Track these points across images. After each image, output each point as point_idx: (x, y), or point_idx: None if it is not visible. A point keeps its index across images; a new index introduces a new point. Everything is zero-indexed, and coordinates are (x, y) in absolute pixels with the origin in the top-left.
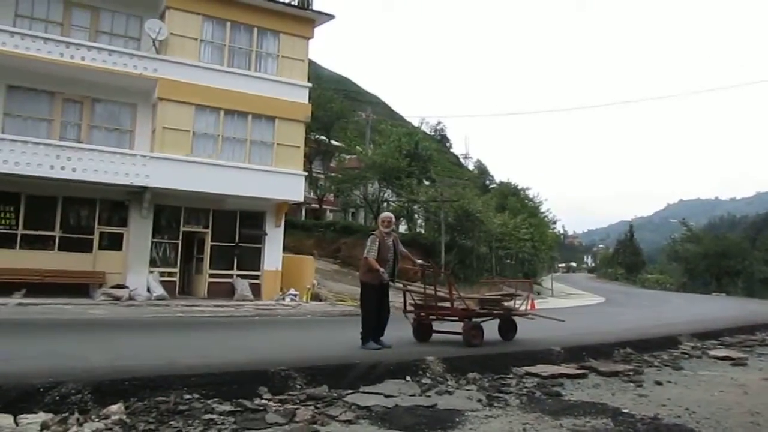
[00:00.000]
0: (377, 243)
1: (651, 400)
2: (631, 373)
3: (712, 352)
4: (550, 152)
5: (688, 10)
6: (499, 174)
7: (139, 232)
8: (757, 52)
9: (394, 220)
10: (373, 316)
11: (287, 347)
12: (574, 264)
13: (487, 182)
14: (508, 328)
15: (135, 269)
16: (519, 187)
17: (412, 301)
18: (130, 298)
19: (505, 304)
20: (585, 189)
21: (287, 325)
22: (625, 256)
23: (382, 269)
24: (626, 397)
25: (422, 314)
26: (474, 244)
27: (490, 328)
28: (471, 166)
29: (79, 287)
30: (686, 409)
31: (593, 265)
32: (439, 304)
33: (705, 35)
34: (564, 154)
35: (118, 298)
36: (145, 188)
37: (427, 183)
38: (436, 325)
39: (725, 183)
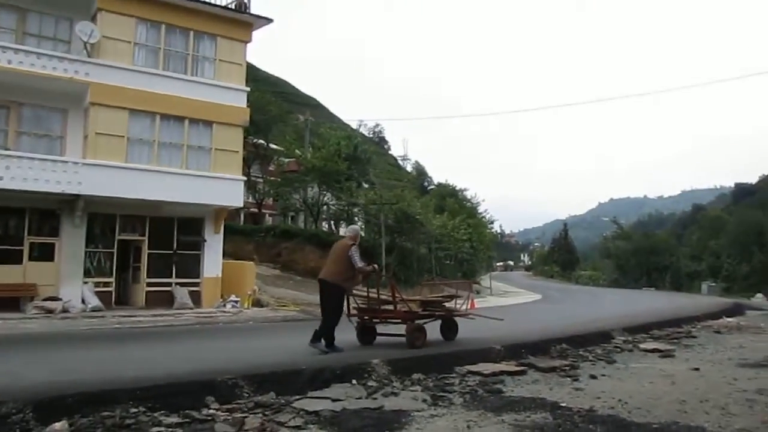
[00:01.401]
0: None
1: (586, 393)
2: (567, 368)
3: (642, 345)
4: (487, 153)
5: (625, 16)
6: (438, 175)
7: (71, 242)
8: (683, 58)
9: None
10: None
11: (232, 355)
12: (511, 262)
13: (426, 184)
14: (449, 329)
15: (68, 280)
16: (457, 189)
17: (356, 305)
18: (64, 311)
19: (447, 305)
20: (521, 189)
21: (230, 332)
22: (560, 254)
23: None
24: (563, 392)
25: (366, 318)
26: (414, 246)
27: (433, 330)
28: (410, 168)
29: (9, 301)
30: (619, 401)
31: (530, 263)
32: (383, 307)
33: (639, 40)
34: (500, 155)
35: (51, 311)
36: (77, 196)
37: (366, 186)
38: (380, 328)
39: (653, 182)
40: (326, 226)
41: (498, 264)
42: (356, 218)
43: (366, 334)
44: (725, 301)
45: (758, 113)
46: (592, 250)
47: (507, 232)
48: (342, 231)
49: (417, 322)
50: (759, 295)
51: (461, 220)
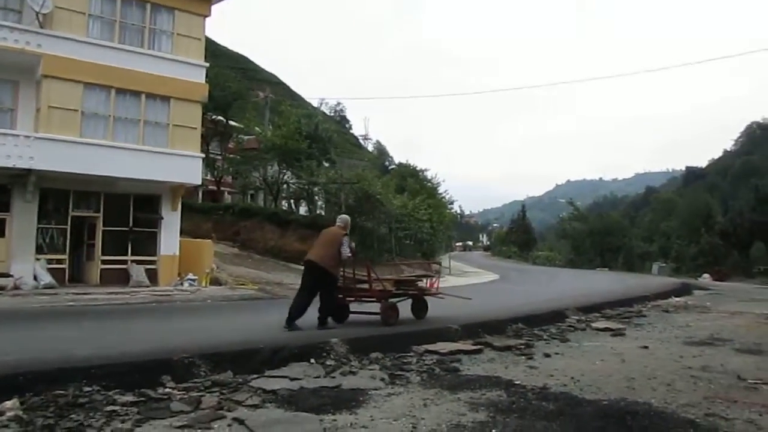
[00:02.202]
0: None
1: (540, 372)
2: (522, 347)
3: (594, 325)
4: (447, 133)
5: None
6: (399, 155)
7: (23, 218)
8: (645, 40)
9: None
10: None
11: (189, 334)
12: (470, 243)
13: (387, 164)
14: (420, 308)
15: (20, 257)
16: (418, 169)
17: None
18: (16, 288)
19: (419, 284)
20: (481, 170)
21: (187, 311)
22: (517, 235)
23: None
24: (518, 370)
25: (340, 296)
26: (374, 226)
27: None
28: (371, 148)
29: None
30: (571, 378)
31: (488, 243)
32: (357, 286)
33: (599, 21)
34: (461, 136)
35: (1, 288)
36: (29, 171)
37: (327, 165)
38: (354, 306)
39: (608, 165)
40: (286, 204)
41: (457, 244)
42: (316, 197)
43: (339, 313)
44: (674, 281)
45: (712, 100)
46: (549, 231)
47: (466, 212)
48: (302, 209)
49: (390, 300)
50: (705, 275)
51: (421, 201)
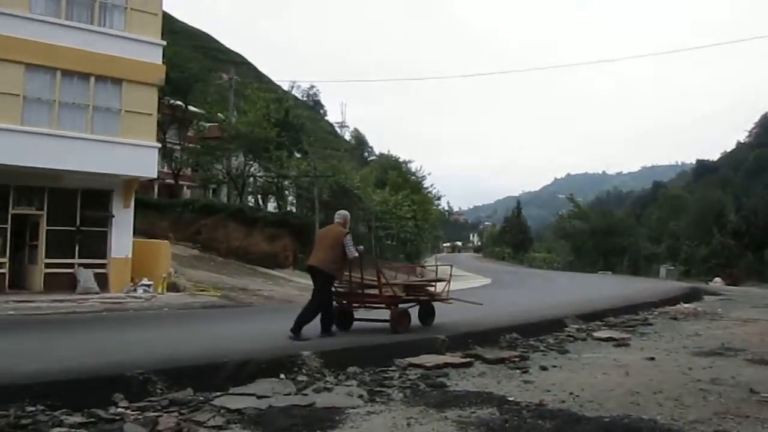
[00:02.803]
0: None
1: (536, 386)
2: (516, 359)
3: (596, 334)
4: (434, 123)
5: None
6: (379, 145)
7: None
8: (647, 26)
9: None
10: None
11: (144, 346)
12: (459, 243)
13: (366, 154)
14: (427, 314)
15: None
16: (401, 160)
17: (334, 289)
18: None
19: (429, 289)
20: (471, 162)
21: (141, 320)
22: (512, 234)
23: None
24: (512, 385)
25: (345, 302)
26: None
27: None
28: (348, 136)
29: None
30: (570, 394)
31: (479, 243)
32: (365, 291)
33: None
34: (449, 125)
35: None
36: None
37: (298, 155)
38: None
39: (613, 157)
40: (252, 200)
41: (445, 245)
42: (287, 192)
43: (343, 320)
44: (683, 285)
45: (721, 89)
46: (547, 229)
47: (455, 209)
48: (271, 205)
49: (401, 306)
50: (717, 279)
51: (404, 196)
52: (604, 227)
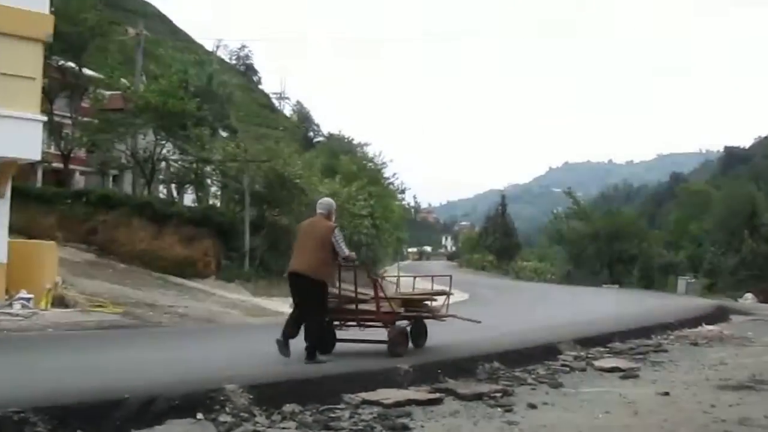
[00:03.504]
0: None
1: (522, 429)
2: (498, 394)
3: (598, 363)
4: (398, 96)
5: None
6: (328, 124)
7: None
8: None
9: None
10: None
11: (20, 378)
12: (428, 248)
13: (312, 134)
14: (419, 334)
15: None
16: (355, 143)
17: None
18: None
19: (429, 304)
20: (444, 147)
21: (18, 344)
22: (495, 238)
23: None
24: (492, 427)
25: (332, 319)
26: (291, 222)
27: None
28: (288, 111)
29: None
30: None
31: (454, 249)
32: (357, 307)
33: None
34: (416, 100)
35: None
36: None
37: (225, 134)
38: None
39: (621, 143)
40: (165, 191)
41: (411, 250)
42: (209, 181)
43: (326, 339)
44: (706, 302)
45: (754, 63)
46: (539, 232)
47: (424, 205)
48: (188, 198)
49: (398, 324)
50: (748, 295)
51: (360, 188)
52: (610, 230)
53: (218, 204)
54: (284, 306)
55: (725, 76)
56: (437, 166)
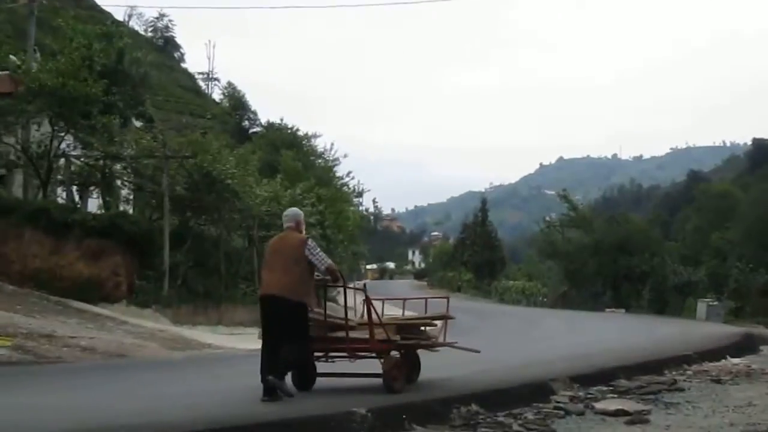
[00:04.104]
0: None
1: None
2: None
3: (599, 405)
4: (354, 78)
5: None
6: (268, 110)
7: None
8: None
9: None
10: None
11: None
12: (392, 265)
13: (247, 124)
14: (413, 366)
15: None
16: (300, 134)
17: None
18: None
19: (428, 330)
20: (412, 140)
21: None
22: (474, 251)
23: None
24: None
25: (315, 349)
26: (222, 233)
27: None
28: (218, 96)
29: None
30: None
31: (423, 265)
32: (344, 334)
33: None
34: (377, 83)
35: None
36: None
37: (138, 124)
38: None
39: (628, 135)
40: (64, 195)
41: (370, 267)
42: (119, 182)
43: (302, 373)
44: (732, 330)
45: None
46: (528, 244)
47: (386, 211)
48: (93, 203)
49: (393, 354)
50: None
51: (306, 190)
52: (615, 241)
53: (130, 211)
54: (213, 336)
55: (752, 56)
56: (403, 163)
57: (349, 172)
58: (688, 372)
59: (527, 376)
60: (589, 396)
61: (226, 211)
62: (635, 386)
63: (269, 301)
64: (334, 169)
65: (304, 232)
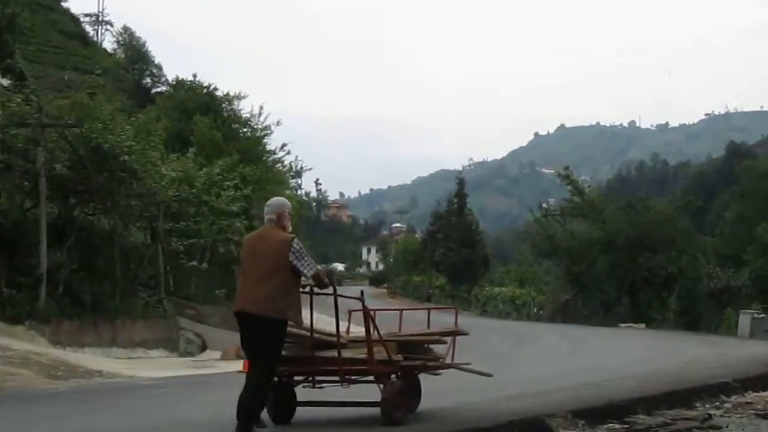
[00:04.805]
0: None
1: None
2: None
3: None
4: (287, 21)
5: None
6: (176, 65)
7: None
8: None
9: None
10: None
11: None
12: (340, 266)
13: (148, 82)
14: (414, 393)
15: None
16: (220, 95)
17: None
18: None
19: (434, 349)
20: (365, 107)
21: None
22: (448, 248)
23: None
24: None
25: (295, 373)
26: (116, 224)
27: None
28: (111, 44)
29: None
30: None
31: (382, 267)
32: (335, 354)
33: None
34: (323, 34)
35: None
36: None
37: (5, 82)
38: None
39: (649, 97)
40: None
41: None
42: None
43: (281, 402)
44: None
45: None
46: (518, 238)
47: (333, 196)
48: None
49: (393, 378)
50: None
51: (228, 168)
52: (633, 235)
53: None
54: (105, 361)
55: None
56: (354, 135)
57: (284, 145)
58: (726, 405)
59: (518, 410)
60: None
61: (121, 196)
62: (658, 423)
63: (243, 317)
64: (264, 141)
65: (288, 228)
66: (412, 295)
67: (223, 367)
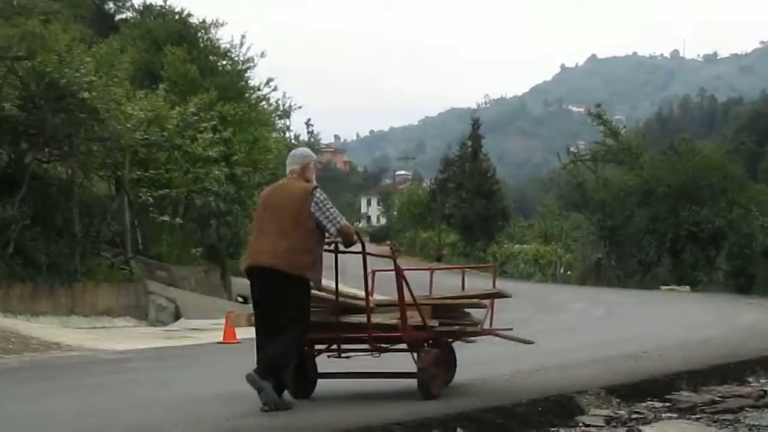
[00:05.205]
0: None
1: None
2: None
3: (650, 430)
4: None
5: None
6: None
7: None
8: None
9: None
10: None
11: None
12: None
13: (111, 6)
14: (448, 363)
15: None
16: (195, 23)
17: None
18: None
19: (471, 314)
20: (365, 43)
21: None
22: (461, 200)
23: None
24: None
25: (320, 340)
26: (75, 173)
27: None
28: None
29: None
30: None
31: (384, 221)
32: (363, 320)
33: None
34: None
35: None
36: None
37: None
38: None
39: (694, 23)
40: None
41: None
42: None
43: (300, 374)
44: None
45: None
46: (542, 188)
47: (327, 139)
48: None
49: (431, 346)
50: None
51: (206, 107)
52: (676, 183)
53: None
54: (64, 332)
55: None
56: (352, 70)
57: (270, 80)
58: None
59: (543, 387)
60: (635, 416)
61: (81, 140)
62: (704, 401)
63: (258, 275)
64: (247, 75)
65: (313, 180)
66: (421, 253)
67: (200, 338)
